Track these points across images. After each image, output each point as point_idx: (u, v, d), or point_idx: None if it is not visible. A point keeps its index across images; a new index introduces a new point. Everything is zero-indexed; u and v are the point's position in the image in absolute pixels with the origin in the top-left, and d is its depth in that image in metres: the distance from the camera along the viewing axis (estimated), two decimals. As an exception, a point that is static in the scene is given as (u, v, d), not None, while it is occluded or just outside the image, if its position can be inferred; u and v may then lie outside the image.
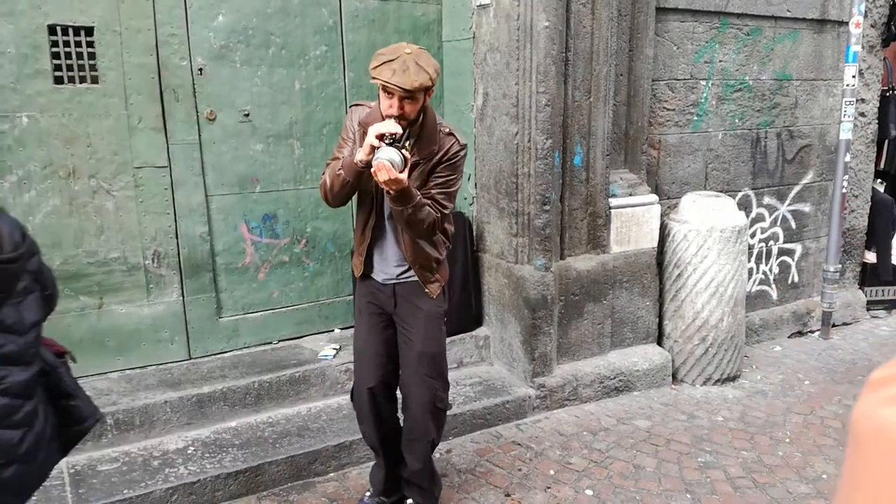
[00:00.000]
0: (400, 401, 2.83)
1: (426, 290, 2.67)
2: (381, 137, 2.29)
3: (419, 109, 2.43)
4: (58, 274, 3.32)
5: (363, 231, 2.65)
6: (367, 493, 2.99)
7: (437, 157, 2.51)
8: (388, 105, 2.38)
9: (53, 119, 3.25)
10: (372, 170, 2.28)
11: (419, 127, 2.49)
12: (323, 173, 2.58)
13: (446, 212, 2.56)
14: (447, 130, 2.55)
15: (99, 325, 3.47)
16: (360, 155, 2.37)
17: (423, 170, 2.50)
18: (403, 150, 2.29)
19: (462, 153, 2.56)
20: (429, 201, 2.47)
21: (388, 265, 2.66)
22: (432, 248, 2.63)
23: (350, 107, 2.66)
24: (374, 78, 2.35)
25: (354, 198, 2.64)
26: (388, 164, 2.23)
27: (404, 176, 2.28)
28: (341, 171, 2.44)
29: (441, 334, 2.78)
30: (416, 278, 2.65)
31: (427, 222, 2.45)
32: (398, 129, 2.31)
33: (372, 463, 3.00)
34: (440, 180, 2.52)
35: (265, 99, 3.69)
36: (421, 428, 2.76)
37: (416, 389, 2.73)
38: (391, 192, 2.32)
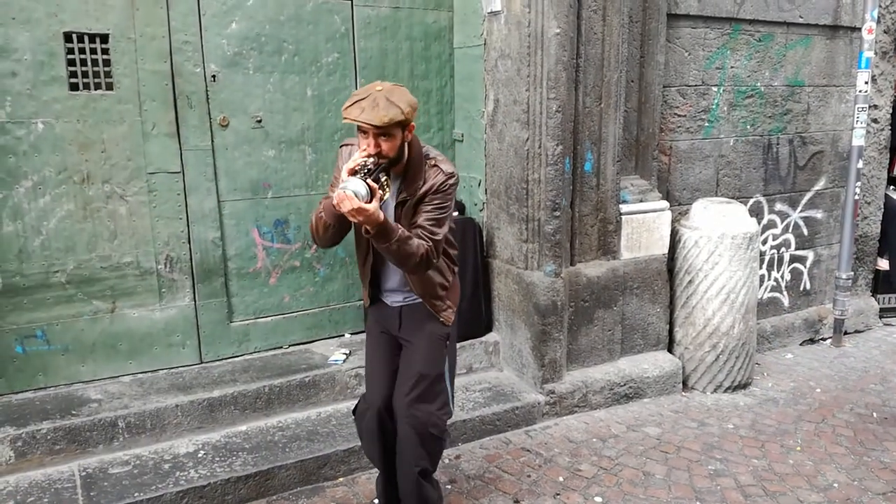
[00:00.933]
0: None
1: (441, 319, 2.63)
2: (353, 172, 2.24)
3: (399, 146, 2.36)
4: (71, 278, 3.39)
5: (364, 266, 2.63)
6: (376, 502, 2.97)
7: (423, 190, 2.43)
8: (365, 144, 2.32)
9: (68, 125, 3.29)
10: (334, 202, 2.21)
11: (405, 165, 2.44)
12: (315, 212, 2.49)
13: (437, 238, 2.43)
14: (433, 163, 2.47)
15: (111, 329, 3.51)
16: (334, 196, 2.25)
17: (410, 204, 2.44)
18: (369, 181, 2.21)
19: (450, 182, 2.46)
20: (418, 230, 2.40)
21: (395, 294, 2.64)
22: (437, 275, 2.58)
23: (339, 147, 2.58)
24: (345, 118, 2.30)
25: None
26: (352, 194, 2.15)
27: (372, 206, 2.17)
28: (322, 214, 2.38)
29: (443, 356, 2.67)
30: (421, 301, 2.62)
31: (418, 255, 2.34)
32: (365, 160, 2.27)
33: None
34: (428, 209, 2.44)
35: (277, 105, 3.72)
36: (408, 453, 2.60)
37: (408, 412, 2.57)
38: (367, 229, 2.24)
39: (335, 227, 2.41)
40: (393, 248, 2.31)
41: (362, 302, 2.73)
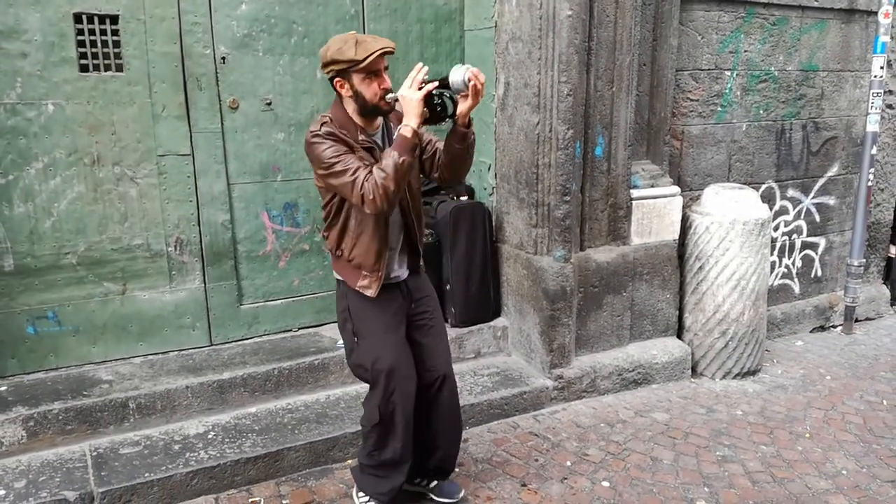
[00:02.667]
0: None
1: (425, 273, 2.79)
2: (422, 84, 2.35)
3: None
4: (82, 260, 3.40)
5: (383, 240, 2.54)
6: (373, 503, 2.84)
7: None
8: (379, 82, 2.42)
9: (79, 107, 3.29)
10: (471, 84, 2.31)
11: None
12: (344, 182, 2.35)
13: None
14: None
15: (122, 311, 3.52)
16: (414, 121, 2.33)
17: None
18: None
19: None
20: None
21: (398, 269, 2.68)
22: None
23: (313, 135, 2.40)
24: (365, 59, 2.33)
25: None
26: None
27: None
28: (402, 159, 2.31)
29: None
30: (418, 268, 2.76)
31: None
32: (424, 68, 2.38)
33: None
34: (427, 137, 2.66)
35: (287, 88, 3.71)
36: (456, 416, 2.87)
37: (450, 372, 2.80)
38: (468, 122, 2.44)
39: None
40: (471, 140, 2.51)
41: (362, 290, 2.58)
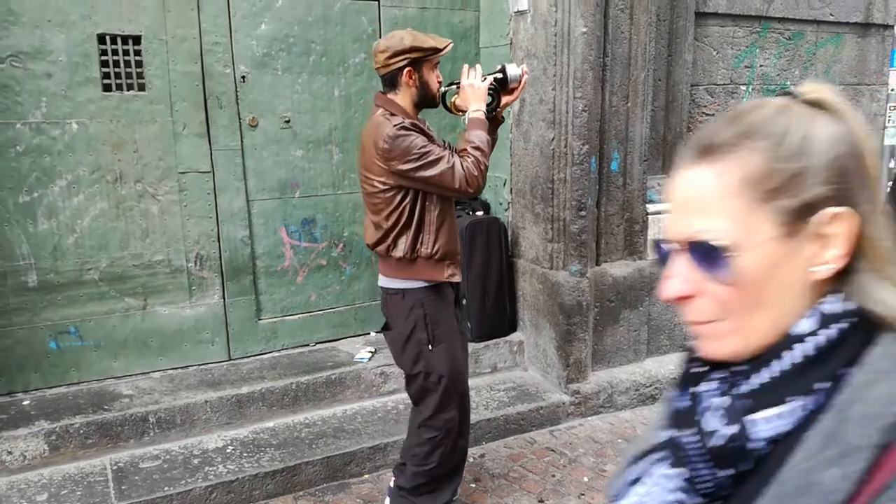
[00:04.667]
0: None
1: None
2: (485, 78, 2.57)
3: None
4: (104, 275, 3.45)
5: (453, 227, 2.64)
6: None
7: None
8: (437, 74, 2.59)
9: (102, 125, 3.35)
10: (523, 78, 2.59)
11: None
12: (442, 170, 2.42)
13: None
14: None
15: (143, 326, 3.57)
16: (483, 106, 2.56)
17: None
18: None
19: None
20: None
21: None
22: None
23: (399, 128, 2.42)
24: (445, 48, 2.53)
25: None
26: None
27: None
28: (488, 136, 2.54)
29: None
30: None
31: None
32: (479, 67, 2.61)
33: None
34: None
35: (305, 106, 3.76)
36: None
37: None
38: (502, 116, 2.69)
39: None
40: (496, 135, 2.73)
41: (450, 279, 2.62)
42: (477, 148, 2.47)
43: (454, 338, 2.65)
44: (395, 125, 2.42)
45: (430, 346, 2.59)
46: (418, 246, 2.54)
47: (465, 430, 2.79)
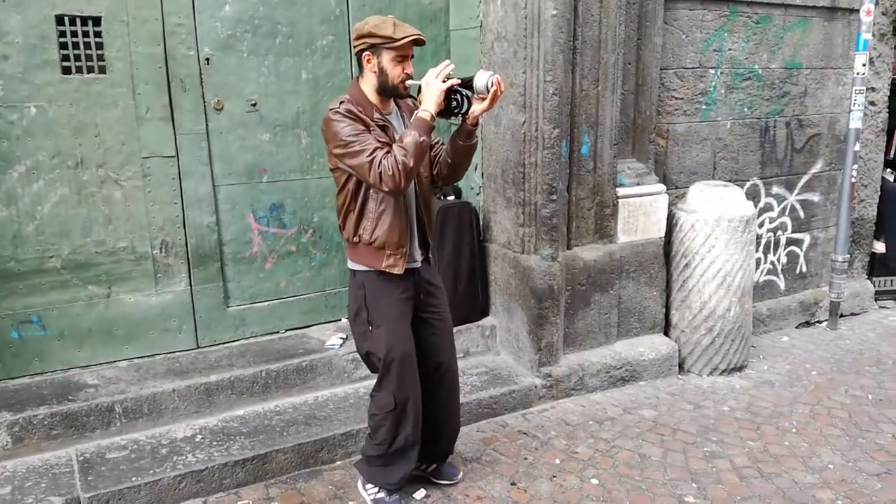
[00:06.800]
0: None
1: (432, 264, 2.84)
2: (447, 79, 2.48)
3: None
4: (66, 263, 3.38)
5: (405, 220, 2.63)
6: (382, 494, 2.89)
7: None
8: (404, 66, 2.53)
9: (61, 109, 3.26)
10: (494, 89, 2.45)
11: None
12: (361, 162, 2.42)
13: None
14: None
15: (107, 314, 3.50)
16: (432, 107, 2.47)
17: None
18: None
19: None
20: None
21: (417, 252, 2.75)
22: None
23: (333, 112, 2.49)
24: (401, 40, 2.46)
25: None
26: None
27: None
28: (423, 139, 2.43)
29: None
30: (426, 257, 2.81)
31: None
32: (451, 65, 2.51)
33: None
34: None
35: (272, 89, 3.69)
36: (455, 405, 3.04)
37: (453, 361, 2.96)
38: (475, 123, 2.58)
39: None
40: (475, 141, 2.65)
41: (388, 269, 2.62)
42: (402, 148, 2.42)
43: (395, 326, 2.68)
44: (331, 108, 2.51)
45: (369, 328, 2.70)
46: (360, 231, 2.63)
47: (407, 421, 2.75)
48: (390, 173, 2.39)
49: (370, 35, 2.49)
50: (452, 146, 2.66)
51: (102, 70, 3.32)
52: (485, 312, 4.19)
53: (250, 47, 3.60)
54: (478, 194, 4.18)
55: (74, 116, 3.29)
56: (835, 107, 4.97)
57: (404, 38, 2.47)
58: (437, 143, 2.74)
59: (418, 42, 2.51)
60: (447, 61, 2.54)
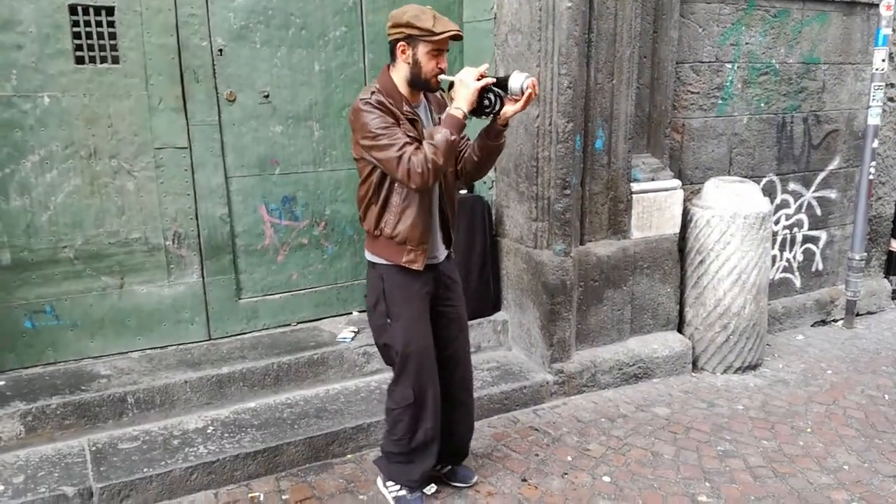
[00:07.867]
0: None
1: (452, 258, 2.82)
2: (481, 77, 2.42)
3: None
4: (79, 254, 3.38)
5: (428, 216, 2.60)
6: (404, 492, 2.86)
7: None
8: (439, 60, 2.48)
9: (75, 99, 3.26)
10: (529, 91, 2.39)
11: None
12: (389, 156, 2.38)
13: None
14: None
15: (120, 305, 3.50)
16: (465, 106, 2.42)
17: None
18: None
19: None
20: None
21: (437, 250, 2.71)
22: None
23: (363, 102, 2.44)
24: (441, 34, 2.41)
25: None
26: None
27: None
28: (454, 137, 2.39)
29: None
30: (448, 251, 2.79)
31: None
32: (486, 64, 2.50)
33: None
34: None
35: (285, 80, 3.68)
36: (471, 405, 2.99)
37: (468, 359, 2.94)
38: (505, 124, 2.52)
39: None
40: (503, 141, 2.60)
41: (408, 264, 2.59)
42: (433, 146, 2.38)
43: (414, 321, 2.66)
44: (362, 98, 2.46)
45: (388, 321, 2.66)
46: (382, 224, 2.58)
47: (426, 415, 2.73)
48: (419, 170, 2.36)
49: (408, 25, 2.42)
50: (480, 144, 2.61)
51: (115, 60, 3.31)
52: (497, 307, 4.17)
53: (263, 38, 3.59)
54: (490, 188, 4.15)
55: (88, 106, 3.29)
56: (853, 103, 4.90)
57: (444, 32, 2.41)
58: (465, 138, 2.71)
59: (457, 37, 2.46)
60: (485, 63, 2.52)
